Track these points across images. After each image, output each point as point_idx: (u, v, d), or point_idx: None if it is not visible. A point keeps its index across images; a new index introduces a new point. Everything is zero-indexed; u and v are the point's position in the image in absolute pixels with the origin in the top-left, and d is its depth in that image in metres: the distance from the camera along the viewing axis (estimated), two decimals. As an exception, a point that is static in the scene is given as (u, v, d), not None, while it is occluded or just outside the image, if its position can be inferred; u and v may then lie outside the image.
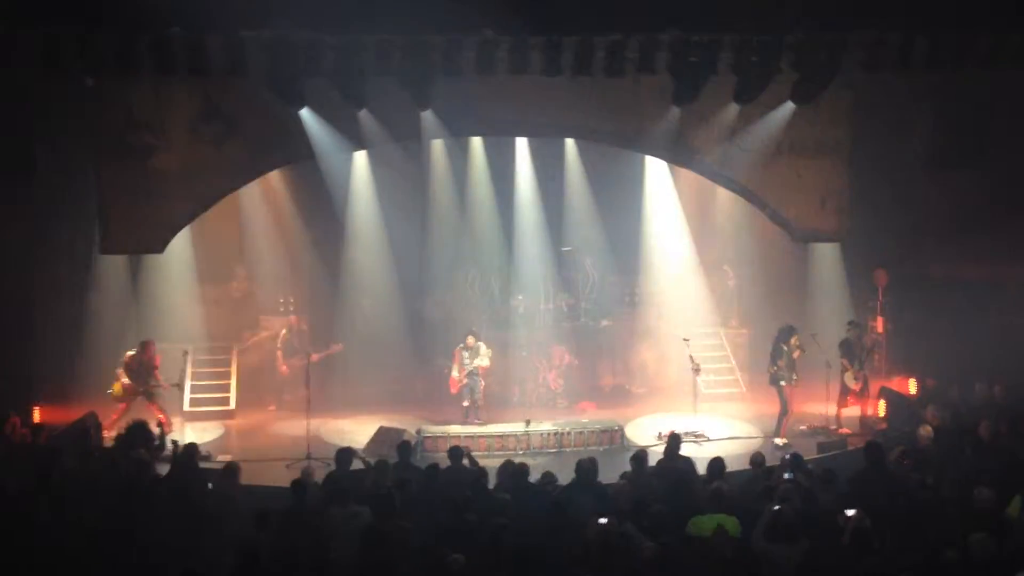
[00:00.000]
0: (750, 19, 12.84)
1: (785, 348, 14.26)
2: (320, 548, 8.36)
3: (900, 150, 15.69)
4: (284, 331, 16.08)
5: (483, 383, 15.16)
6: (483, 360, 15.13)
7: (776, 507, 8.70)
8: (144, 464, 10.60)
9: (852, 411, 15.08)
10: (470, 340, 15.22)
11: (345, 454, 10.57)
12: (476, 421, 14.89)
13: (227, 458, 12.14)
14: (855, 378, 14.90)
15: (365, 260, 17.08)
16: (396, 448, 11.23)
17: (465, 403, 15.10)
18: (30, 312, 14.69)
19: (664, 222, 17.54)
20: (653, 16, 12.72)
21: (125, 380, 14.10)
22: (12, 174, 14.39)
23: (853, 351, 14.95)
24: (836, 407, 14.95)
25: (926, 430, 11.66)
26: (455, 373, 15.20)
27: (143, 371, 14.19)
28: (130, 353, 14.29)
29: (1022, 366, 13.75)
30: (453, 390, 15.26)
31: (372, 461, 10.95)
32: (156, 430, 13.10)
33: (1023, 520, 8.84)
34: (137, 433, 11.74)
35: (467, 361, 15.13)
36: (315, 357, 15.04)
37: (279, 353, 15.91)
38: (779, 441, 13.88)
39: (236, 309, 17.09)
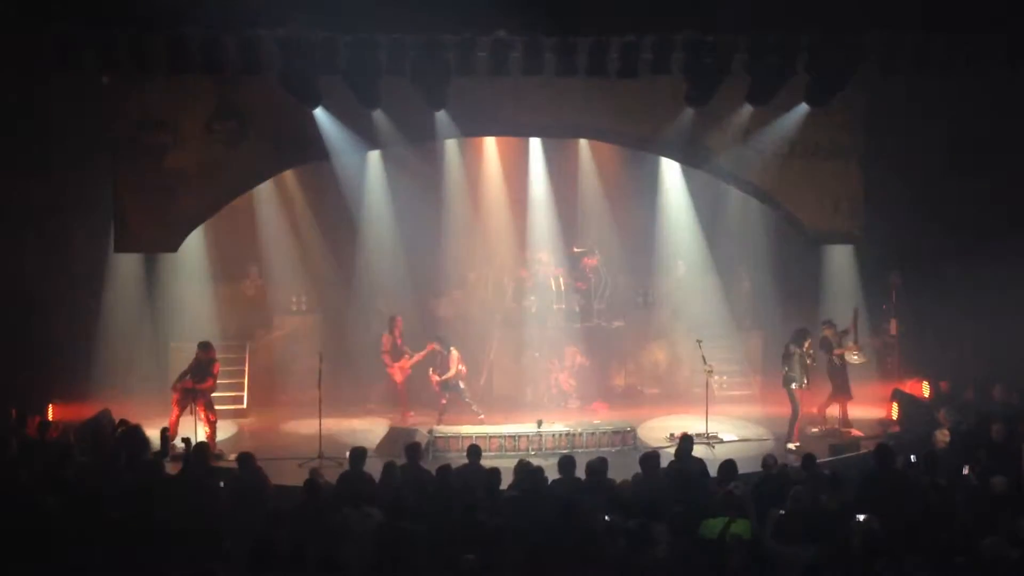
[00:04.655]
0: (765, 20, 12.79)
1: (797, 351, 14.22)
2: (332, 548, 8.37)
3: (915, 152, 15.60)
4: (386, 334, 15.59)
5: (458, 383, 15.22)
6: (450, 371, 15.18)
7: (782, 511, 8.68)
8: (152, 463, 10.66)
9: (866, 413, 15.08)
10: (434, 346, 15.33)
11: (359, 454, 10.51)
12: (480, 417, 14.95)
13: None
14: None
15: (379, 260, 17.09)
16: (404, 450, 11.21)
17: (443, 401, 15.18)
18: (45, 310, 14.77)
19: (677, 223, 17.50)
20: (667, 17, 12.70)
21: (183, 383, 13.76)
22: (27, 173, 14.48)
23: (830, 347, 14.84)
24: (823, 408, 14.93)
25: (943, 434, 11.60)
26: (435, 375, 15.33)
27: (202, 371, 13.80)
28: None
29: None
30: (435, 388, 15.36)
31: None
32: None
33: None
34: (135, 435, 11.75)
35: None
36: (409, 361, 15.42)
37: (386, 358, 15.43)
38: (791, 446, 13.83)
39: (250, 308, 17.13)
